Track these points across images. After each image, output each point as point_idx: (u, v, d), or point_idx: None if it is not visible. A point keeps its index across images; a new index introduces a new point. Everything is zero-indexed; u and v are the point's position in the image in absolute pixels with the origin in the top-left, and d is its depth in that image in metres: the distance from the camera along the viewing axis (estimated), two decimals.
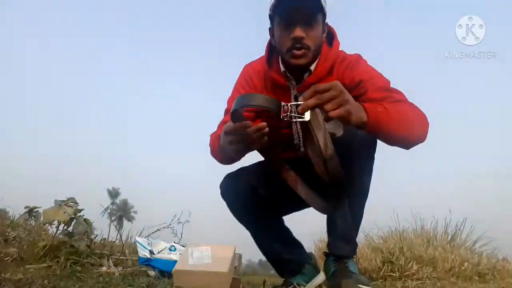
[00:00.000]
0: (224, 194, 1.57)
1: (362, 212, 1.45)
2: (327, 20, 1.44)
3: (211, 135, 1.55)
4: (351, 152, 1.31)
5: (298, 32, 1.34)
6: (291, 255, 1.60)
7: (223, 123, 1.53)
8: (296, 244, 1.66)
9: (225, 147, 1.26)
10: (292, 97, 1.45)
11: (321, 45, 1.43)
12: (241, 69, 1.61)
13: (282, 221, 1.67)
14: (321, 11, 1.38)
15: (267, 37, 1.53)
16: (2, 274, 1.20)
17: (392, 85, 1.36)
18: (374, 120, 1.11)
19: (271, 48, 1.51)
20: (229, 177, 1.57)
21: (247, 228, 1.61)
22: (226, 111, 1.57)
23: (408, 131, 1.22)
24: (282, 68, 1.46)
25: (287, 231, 1.66)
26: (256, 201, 1.52)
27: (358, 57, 1.45)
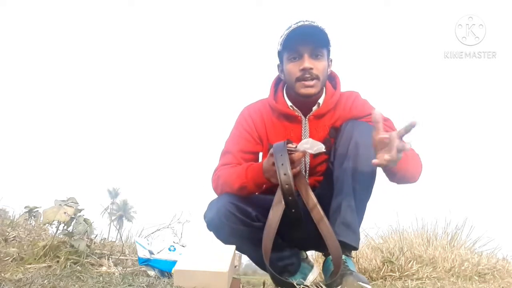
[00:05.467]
0: (206, 216, 1.52)
1: (364, 212, 1.47)
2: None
3: (219, 169, 1.58)
4: (359, 155, 1.41)
5: (307, 63, 1.46)
6: (287, 260, 1.56)
7: (222, 165, 1.58)
8: (288, 248, 1.58)
9: (268, 168, 1.38)
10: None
11: (326, 78, 1.55)
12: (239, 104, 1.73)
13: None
14: (327, 46, 1.51)
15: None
16: (2, 274, 1.21)
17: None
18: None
19: (276, 88, 1.65)
20: (210, 203, 1.55)
21: (228, 243, 1.45)
22: (224, 153, 1.62)
23: (413, 173, 1.45)
24: (289, 103, 1.58)
25: (276, 238, 1.44)
26: (241, 215, 1.47)
27: (359, 94, 1.62)
